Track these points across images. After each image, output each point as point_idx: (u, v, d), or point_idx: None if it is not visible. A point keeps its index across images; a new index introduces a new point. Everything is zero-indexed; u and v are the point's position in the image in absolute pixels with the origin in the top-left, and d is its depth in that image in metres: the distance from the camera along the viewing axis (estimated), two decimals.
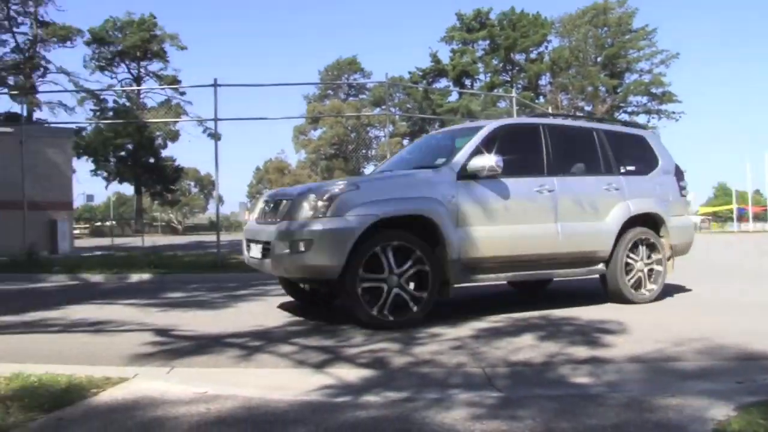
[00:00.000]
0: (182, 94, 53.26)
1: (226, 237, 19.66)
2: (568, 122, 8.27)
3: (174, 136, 56.33)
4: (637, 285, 7.00)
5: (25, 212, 13.71)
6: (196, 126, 51.70)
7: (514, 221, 6.32)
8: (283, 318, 6.11)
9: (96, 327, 5.66)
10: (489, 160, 6.01)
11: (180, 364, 4.11)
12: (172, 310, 6.91)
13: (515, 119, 7.62)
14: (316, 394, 3.33)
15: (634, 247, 7.00)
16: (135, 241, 27.78)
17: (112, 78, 55.52)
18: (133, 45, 53.18)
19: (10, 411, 2.86)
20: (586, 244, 6.80)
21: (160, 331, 5.31)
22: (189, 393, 3.24)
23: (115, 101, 52.74)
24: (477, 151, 6.25)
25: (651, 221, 7.22)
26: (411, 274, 5.56)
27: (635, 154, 7.55)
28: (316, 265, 5.45)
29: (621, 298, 6.90)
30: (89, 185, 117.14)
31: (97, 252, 18.42)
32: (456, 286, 5.98)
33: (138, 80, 54.90)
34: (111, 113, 50.76)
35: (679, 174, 7.70)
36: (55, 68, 47.73)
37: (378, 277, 5.45)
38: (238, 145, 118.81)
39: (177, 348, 4.70)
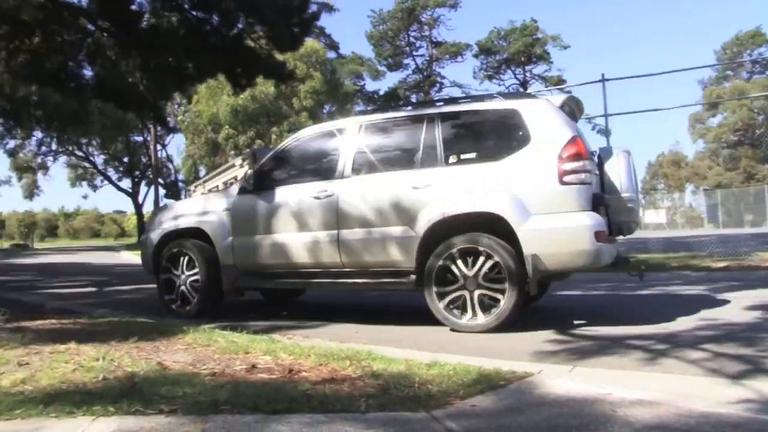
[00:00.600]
0: (568, 93, 53.13)
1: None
2: (390, 115, 6.57)
3: None
4: (471, 307, 5.35)
5: None
6: (585, 123, 51.45)
7: (283, 230, 6.30)
8: (690, 321, 5.66)
9: None
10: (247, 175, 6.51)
11: (582, 363, 4.08)
12: (570, 309, 6.93)
13: (316, 126, 7.01)
14: (734, 408, 3.00)
15: (454, 259, 5.40)
16: None
17: (499, 85, 58.18)
18: (517, 51, 54.95)
19: (432, 393, 3.13)
20: (373, 254, 5.83)
21: (560, 330, 5.36)
22: (592, 393, 3.19)
23: None
24: (264, 165, 6.66)
25: (500, 224, 5.29)
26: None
27: (490, 135, 5.88)
28: (143, 263, 7.54)
29: (441, 320, 5.47)
30: None
31: None
32: None
33: (524, 85, 56.48)
34: None
35: (570, 154, 5.23)
36: (449, 82, 52.06)
37: (172, 276, 6.86)
38: (627, 140, 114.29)
39: (578, 347, 4.68)
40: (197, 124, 37.61)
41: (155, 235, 7.16)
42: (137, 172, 51.42)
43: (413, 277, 5.66)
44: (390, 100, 51.90)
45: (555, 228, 5.21)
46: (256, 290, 7.45)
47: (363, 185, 6.00)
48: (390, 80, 72.72)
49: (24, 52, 12.11)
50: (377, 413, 2.84)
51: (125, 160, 50.77)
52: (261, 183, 6.50)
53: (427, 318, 5.61)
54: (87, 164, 51.28)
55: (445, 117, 5.97)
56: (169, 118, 41.12)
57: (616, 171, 5.89)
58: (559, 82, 53.00)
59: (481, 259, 5.33)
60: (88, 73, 12.99)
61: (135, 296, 9.19)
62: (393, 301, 7.74)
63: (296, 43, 11.85)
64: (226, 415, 2.77)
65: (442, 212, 5.49)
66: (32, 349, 4.30)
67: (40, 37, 11.94)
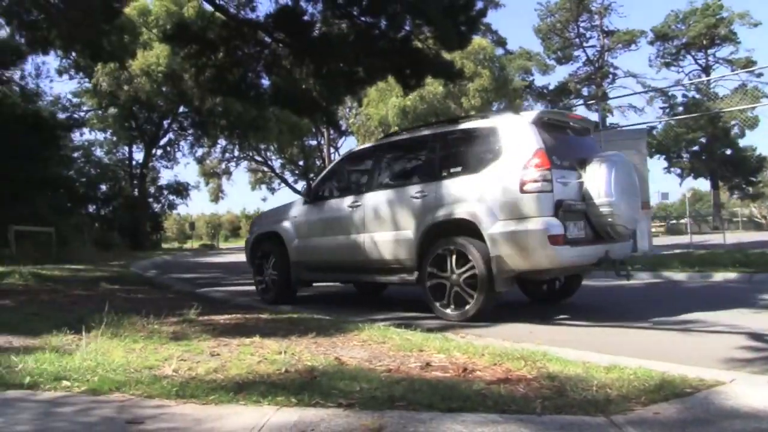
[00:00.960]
0: (758, 75, 48.70)
1: None
2: (409, 135, 7.78)
3: (752, 123, 52.12)
4: (449, 300, 6.27)
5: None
6: None
7: (329, 233, 7.66)
8: None
9: (683, 326, 5.59)
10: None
11: None
12: (765, 312, 6.39)
13: (357, 147, 8.08)
14: None
15: (442, 258, 6.34)
16: (714, 239, 26.66)
17: (678, 72, 54.52)
18: (698, 34, 51.06)
19: (611, 398, 3.00)
20: (386, 253, 6.99)
21: (756, 336, 4.92)
22: None
23: (683, 95, 51.61)
24: (323, 179, 8.37)
25: (473, 228, 6.14)
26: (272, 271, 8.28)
27: (475, 150, 6.59)
28: (246, 259, 9.14)
29: (433, 310, 6.45)
30: (663, 183, 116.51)
31: (676, 250, 18.28)
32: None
33: (706, 70, 52.58)
34: (681, 108, 49.85)
35: (531, 165, 5.88)
36: (623, 72, 49.52)
37: (262, 269, 8.43)
38: None
39: None
40: (368, 126, 38.61)
41: (251, 237, 9.02)
42: (312, 175, 53.65)
43: (415, 274, 6.64)
44: (560, 95, 50.38)
45: (514, 232, 5.87)
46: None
47: (377, 196, 7.23)
48: (560, 74, 70.72)
49: (209, 67, 13.06)
50: (553, 416, 2.77)
51: (300, 163, 53.10)
52: (315, 196, 8.06)
53: (604, 319, 5.43)
54: (265, 168, 54.23)
55: (442, 136, 6.98)
56: (341, 122, 42.67)
57: (594, 179, 6.22)
58: (747, 64, 48.56)
59: (460, 258, 6.15)
60: (265, 82, 13.81)
61: (309, 294, 9.61)
62: (565, 303, 7.52)
63: (463, 41, 11.76)
64: (402, 411, 2.81)
65: (433, 218, 6.46)
66: (221, 341, 4.63)
67: (223, 53, 12.82)
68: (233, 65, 13.00)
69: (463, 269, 6.12)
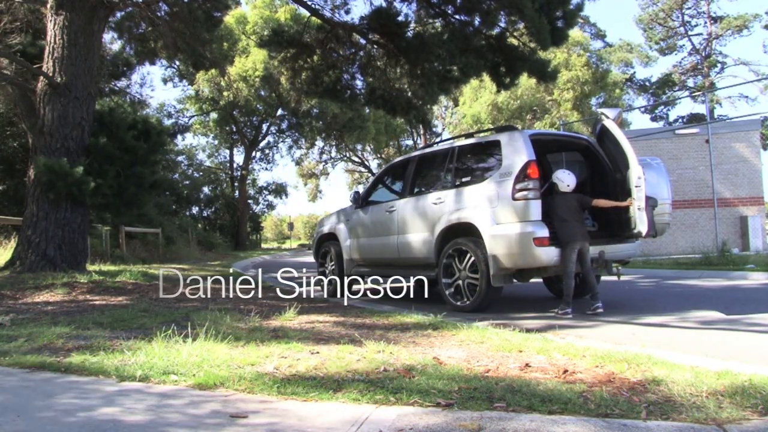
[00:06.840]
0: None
1: None
2: (436, 147, 8.62)
3: None
4: (458, 292, 7.06)
5: (715, 210, 14.00)
6: None
7: (372, 234, 8.78)
8: None
9: None
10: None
11: None
12: None
13: (395, 160, 8.99)
14: None
15: (453, 256, 7.13)
16: None
17: None
18: None
19: (722, 405, 2.86)
20: (413, 252, 7.87)
21: None
22: None
23: None
24: (369, 187, 9.43)
25: (474, 230, 6.89)
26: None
27: (482, 162, 7.45)
28: (313, 256, 10.42)
29: (446, 303, 7.16)
30: None
31: None
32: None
33: None
34: None
35: (522, 176, 6.51)
36: (733, 61, 46.85)
37: (324, 265, 9.82)
38: None
39: None
40: (462, 124, 38.37)
41: (316, 237, 10.42)
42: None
43: (435, 270, 7.43)
44: (663, 87, 48.23)
45: (506, 234, 6.53)
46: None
47: (407, 202, 8.16)
48: (662, 65, 67.84)
49: (305, 70, 13.34)
50: (660, 422, 2.66)
51: None
52: (362, 201, 9.15)
53: (715, 321, 5.18)
54: (362, 168, 54.85)
55: (461, 148, 7.77)
56: (438, 121, 42.58)
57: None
58: None
59: (466, 256, 6.93)
60: (360, 83, 13.99)
61: (408, 292, 9.63)
62: (671, 304, 7.23)
63: (558, 38, 11.33)
64: (501, 412, 2.78)
65: (447, 222, 7.25)
66: (321, 339, 4.72)
67: (319, 55, 13.07)
68: (329, 67, 13.24)
69: (468, 266, 6.93)
